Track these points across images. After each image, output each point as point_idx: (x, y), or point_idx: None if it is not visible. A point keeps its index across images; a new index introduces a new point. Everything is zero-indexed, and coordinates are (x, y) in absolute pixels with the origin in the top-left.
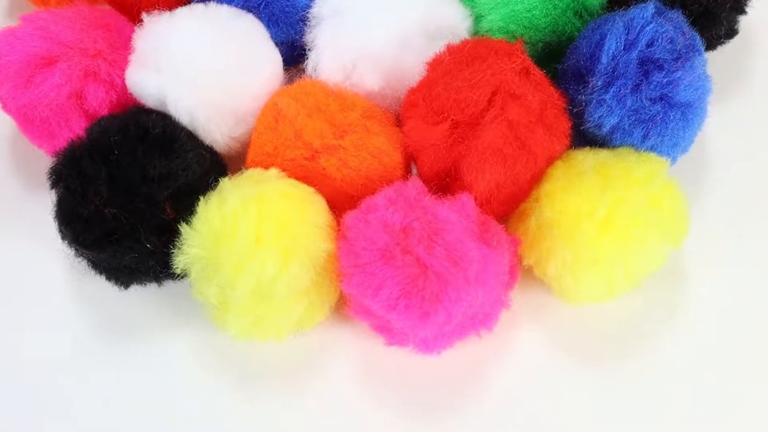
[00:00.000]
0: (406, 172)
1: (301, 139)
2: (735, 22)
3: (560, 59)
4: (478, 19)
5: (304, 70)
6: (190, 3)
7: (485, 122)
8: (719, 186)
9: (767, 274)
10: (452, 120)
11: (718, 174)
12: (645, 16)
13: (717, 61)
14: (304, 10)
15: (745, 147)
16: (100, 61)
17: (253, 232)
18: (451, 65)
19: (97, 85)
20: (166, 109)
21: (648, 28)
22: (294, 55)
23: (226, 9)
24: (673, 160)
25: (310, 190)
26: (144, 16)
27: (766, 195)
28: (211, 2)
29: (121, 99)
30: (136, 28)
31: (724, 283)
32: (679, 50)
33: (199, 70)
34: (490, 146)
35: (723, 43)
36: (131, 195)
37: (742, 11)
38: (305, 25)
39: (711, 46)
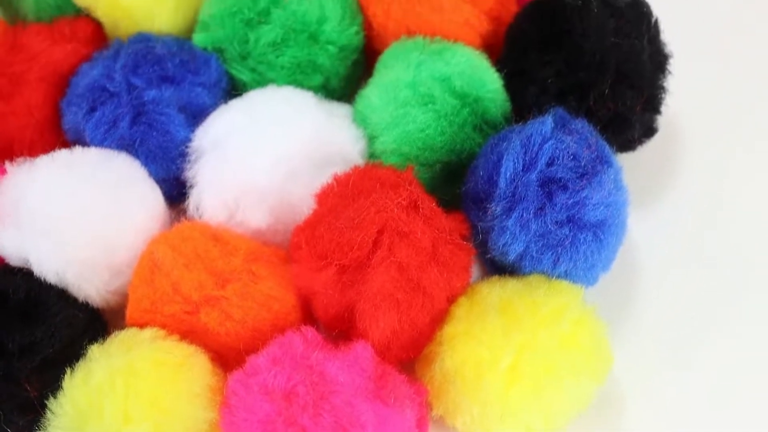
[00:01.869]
0: (304, 313)
1: (180, 293)
2: (651, 121)
3: (461, 179)
4: (371, 140)
5: (185, 212)
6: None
7: (373, 265)
8: (653, 297)
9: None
10: (338, 264)
11: (650, 284)
12: (543, 131)
13: (640, 158)
14: (184, 144)
15: (675, 251)
16: None
17: (121, 410)
18: (336, 200)
19: None
20: (29, 268)
21: (547, 146)
22: (182, 191)
23: (94, 152)
24: (593, 280)
25: (190, 350)
26: (7, 165)
27: (699, 305)
28: (78, 147)
29: None
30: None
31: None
32: (584, 166)
33: (63, 225)
34: (381, 292)
35: (643, 142)
36: None
37: (657, 111)
38: (186, 159)
39: (629, 147)
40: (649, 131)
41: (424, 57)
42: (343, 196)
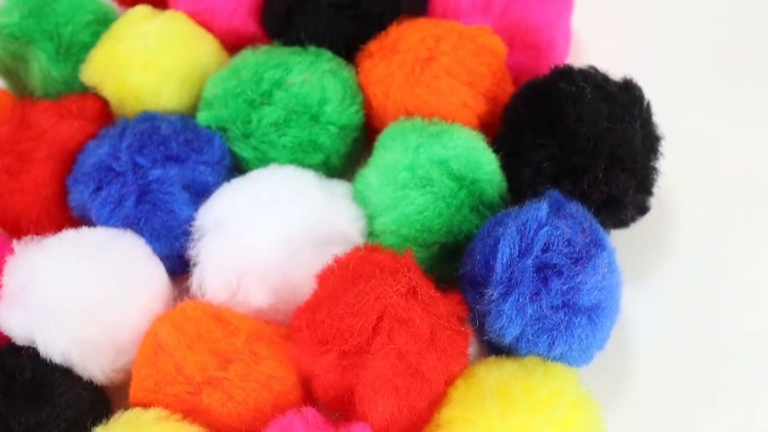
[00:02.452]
0: (305, 392)
1: (183, 374)
2: (644, 201)
3: (459, 258)
4: (371, 219)
5: (188, 289)
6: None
7: (373, 351)
8: (646, 373)
9: None
10: (338, 350)
11: (643, 360)
12: (539, 217)
13: (632, 233)
14: (188, 222)
15: (668, 326)
16: None
17: None
18: (337, 284)
19: None
20: (35, 347)
21: (542, 232)
22: (185, 266)
23: (101, 232)
24: (588, 360)
25: (193, 430)
26: (15, 243)
27: (693, 380)
28: (84, 227)
29: None
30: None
31: None
32: (579, 251)
33: (70, 306)
34: (380, 377)
35: (635, 220)
36: None
37: (649, 192)
38: (189, 237)
39: (622, 225)
40: (642, 210)
41: (423, 140)
42: (343, 279)
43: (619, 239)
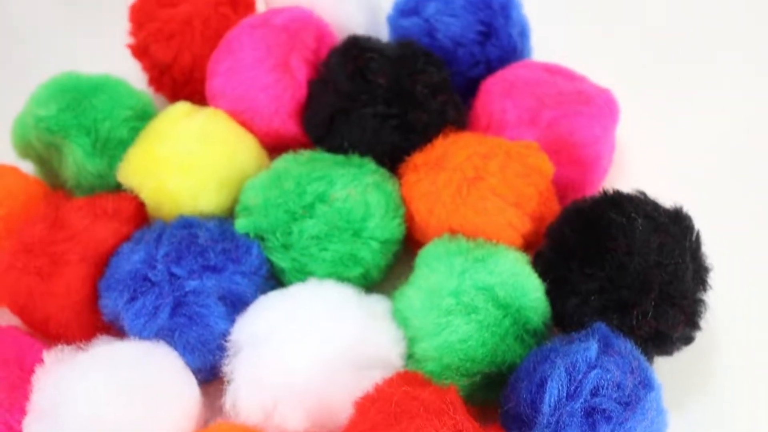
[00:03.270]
0: None
1: None
2: (691, 333)
3: (501, 386)
4: (411, 341)
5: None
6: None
7: None
8: None
9: None
10: None
11: None
12: (588, 357)
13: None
14: (223, 336)
15: None
16: None
17: None
18: (378, 418)
19: None
20: None
21: (592, 375)
22: (215, 376)
23: (134, 347)
24: None
25: None
26: (45, 354)
27: None
28: (117, 342)
29: None
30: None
31: None
32: (629, 395)
33: (102, 426)
34: None
35: (680, 349)
36: None
37: (697, 326)
38: (224, 351)
39: (667, 353)
40: (688, 341)
41: (468, 264)
42: (386, 414)
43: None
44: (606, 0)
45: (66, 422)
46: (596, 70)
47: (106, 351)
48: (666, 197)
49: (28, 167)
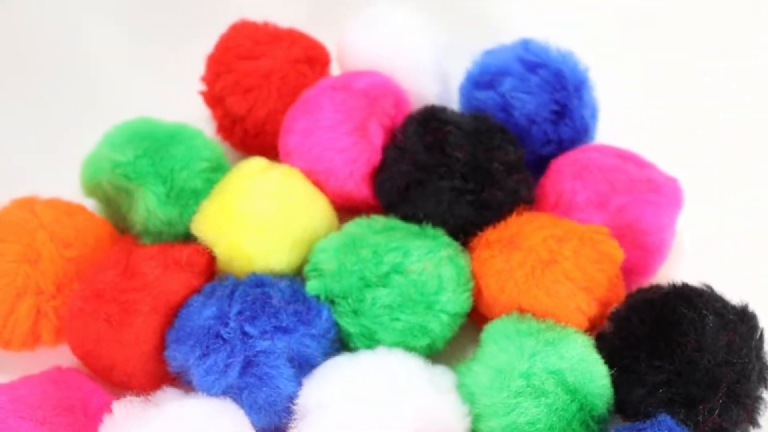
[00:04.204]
0: None
1: None
2: (749, 430)
3: None
4: (477, 418)
5: None
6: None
7: None
8: None
9: None
10: None
11: None
12: None
13: None
14: (290, 399)
15: None
16: None
17: None
18: None
19: None
20: None
21: None
22: None
23: (204, 405)
24: None
25: None
26: (114, 405)
27: None
28: (187, 400)
29: None
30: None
31: None
32: None
33: None
34: None
35: None
36: None
37: (756, 423)
38: (291, 414)
39: None
40: None
41: (540, 347)
42: None
43: None
44: (668, 86)
45: None
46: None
47: (176, 407)
48: (717, 284)
49: (91, 204)
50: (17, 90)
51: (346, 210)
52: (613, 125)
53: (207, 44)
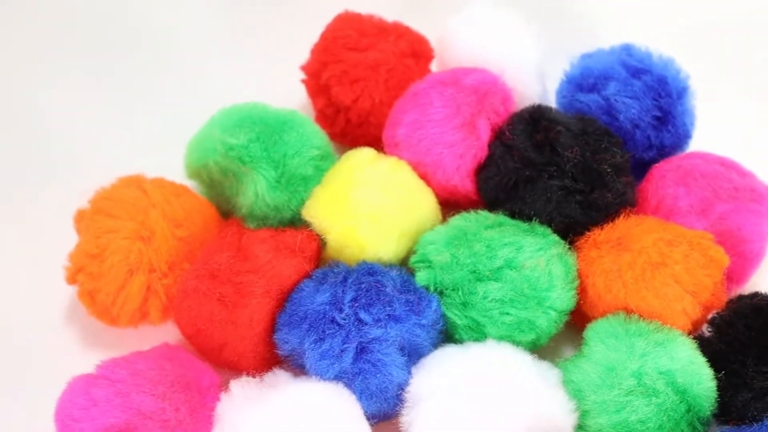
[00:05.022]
0: None
1: None
2: None
3: None
4: (584, 414)
5: None
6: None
7: None
8: None
9: None
10: None
11: None
12: None
13: None
14: (401, 386)
15: None
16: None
17: None
18: None
19: None
20: None
21: None
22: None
23: (322, 388)
24: None
25: None
26: (231, 383)
27: None
28: (302, 382)
29: None
30: (220, 380)
31: None
32: None
33: None
34: None
35: None
36: None
37: None
38: (401, 402)
39: None
40: None
41: (650, 348)
42: None
43: None
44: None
45: None
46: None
47: (294, 389)
48: None
49: (192, 186)
50: (115, 74)
51: (446, 204)
52: (705, 133)
53: (297, 34)
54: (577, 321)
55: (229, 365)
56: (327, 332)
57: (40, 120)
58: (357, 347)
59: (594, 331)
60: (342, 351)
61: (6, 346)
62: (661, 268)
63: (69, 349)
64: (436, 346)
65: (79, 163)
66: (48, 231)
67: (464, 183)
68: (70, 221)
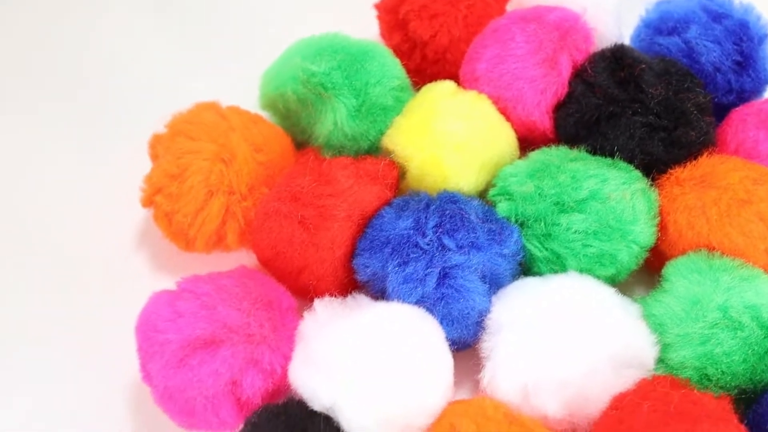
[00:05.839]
0: None
1: None
2: None
3: (748, 404)
4: (665, 348)
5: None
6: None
7: None
8: None
9: None
10: None
11: None
12: None
13: None
14: (481, 313)
15: None
16: (263, 347)
17: None
18: (654, 416)
19: (256, 373)
20: (328, 414)
21: None
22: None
23: (407, 310)
24: None
25: None
26: (316, 302)
27: None
28: (391, 303)
29: (277, 387)
30: (297, 304)
31: None
32: None
33: (378, 386)
34: None
35: None
36: None
37: None
38: (481, 329)
39: None
40: None
41: (735, 282)
42: (662, 413)
43: None
44: None
45: (338, 372)
46: None
47: (380, 308)
48: None
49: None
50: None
51: (522, 142)
52: None
53: None
54: (652, 261)
55: (306, 289)
56: (410, 256)
57: (109, 51)
58: (440, 272)
59: (675, 267)
60: (425, 275)
61: (78, 274)
62: (747, 206)
63: (141, 274)
64: (515, 277)
65: (148, 93)
66: (116, 159)
67: (543, 119)
68: (138, 150)
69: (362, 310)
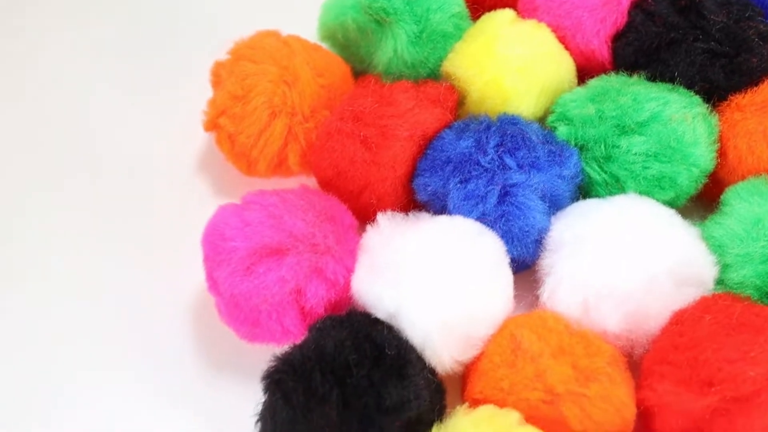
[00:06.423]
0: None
1: (542, 381)
2: None
3: None
4: (725, 268)
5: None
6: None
7: (760, 403)
8: None
9: None
10: (724, 394)
11: None
12: None
13: None
14: (541, 232)
15: None
16: (328, 258)
17: None
18: (715, 328)
19: (320, 282)
20: (392, 322)
21: None
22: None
23: (470, 225)
24: None
25: None
26: (380, 216)
27: None
28: (455, 217)
29: (339, 299)
30: (357, 223)
31: None
32: None
33: (441, 292)
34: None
35: None
36: (364, 425)
37: None
38: (540, 247)
39: None
40: None
41: None
42: (725, 325)
43: None
44: None
45: (404, 281)
46: None
47: (446, 222)
48: None
49: None
50: None
51: (579, 71)
52: None
53: None
54: (710, 189)
55: (367, 212)
56: (472, 173)
57: None
58: (501, 190)
59: (735, 192)
60: (486, 192)
61: (145, 194)
62: None
63: (203, 199)
64: (574, 200)
65: (212, 22)
66: (179, 87)
67: (602, 48)
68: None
69: (426, 222)
